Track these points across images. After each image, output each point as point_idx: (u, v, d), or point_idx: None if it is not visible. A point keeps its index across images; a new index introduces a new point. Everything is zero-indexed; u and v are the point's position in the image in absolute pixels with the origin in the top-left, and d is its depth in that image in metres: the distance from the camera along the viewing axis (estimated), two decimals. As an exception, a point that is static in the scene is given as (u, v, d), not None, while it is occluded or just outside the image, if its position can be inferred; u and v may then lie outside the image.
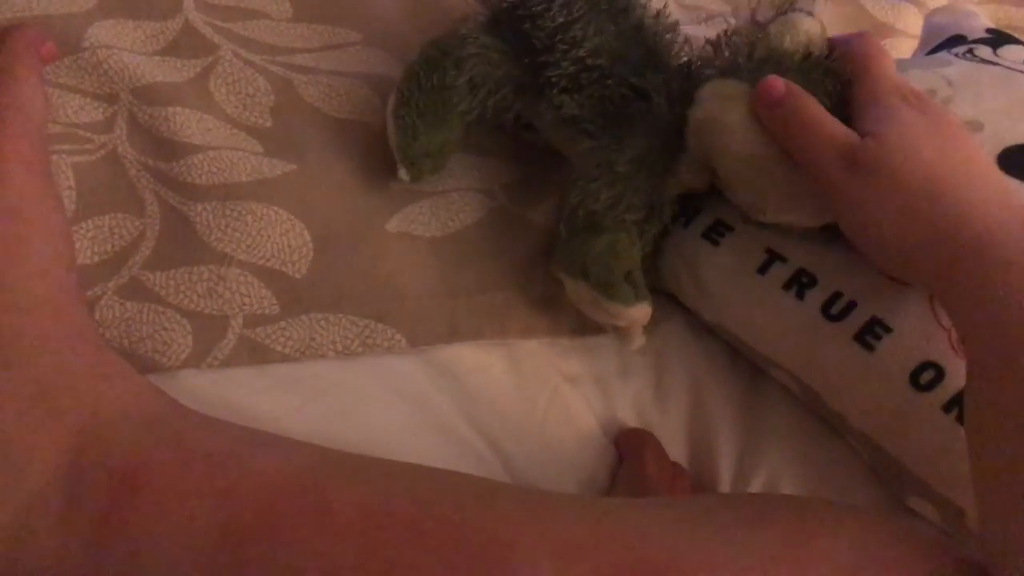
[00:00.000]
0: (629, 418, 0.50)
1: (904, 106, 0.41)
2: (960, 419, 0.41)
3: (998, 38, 0.57)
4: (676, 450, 0.49)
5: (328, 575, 0.29)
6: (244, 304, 0.43)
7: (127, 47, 0.50)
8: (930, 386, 0.42)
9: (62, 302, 0.36)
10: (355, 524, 0.31)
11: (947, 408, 0.41)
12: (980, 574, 0.31)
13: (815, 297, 0.45)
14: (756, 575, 0.29)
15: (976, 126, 0.49)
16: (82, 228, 0.43)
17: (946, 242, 0.37)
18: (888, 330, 0.43)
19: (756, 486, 0.48)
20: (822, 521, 0.32)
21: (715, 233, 0.50)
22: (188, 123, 0.48)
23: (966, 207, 0.38)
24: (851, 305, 0.44)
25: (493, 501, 0.33)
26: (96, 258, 0.43)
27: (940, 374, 0.41)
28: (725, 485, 0.48)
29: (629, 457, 0.48)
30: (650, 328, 0.51)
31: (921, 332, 0.43)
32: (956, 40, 0.59)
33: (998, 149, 0.48)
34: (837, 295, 0.45)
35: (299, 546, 0.30)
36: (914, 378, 0.42)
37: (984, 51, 0.55)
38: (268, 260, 0.45)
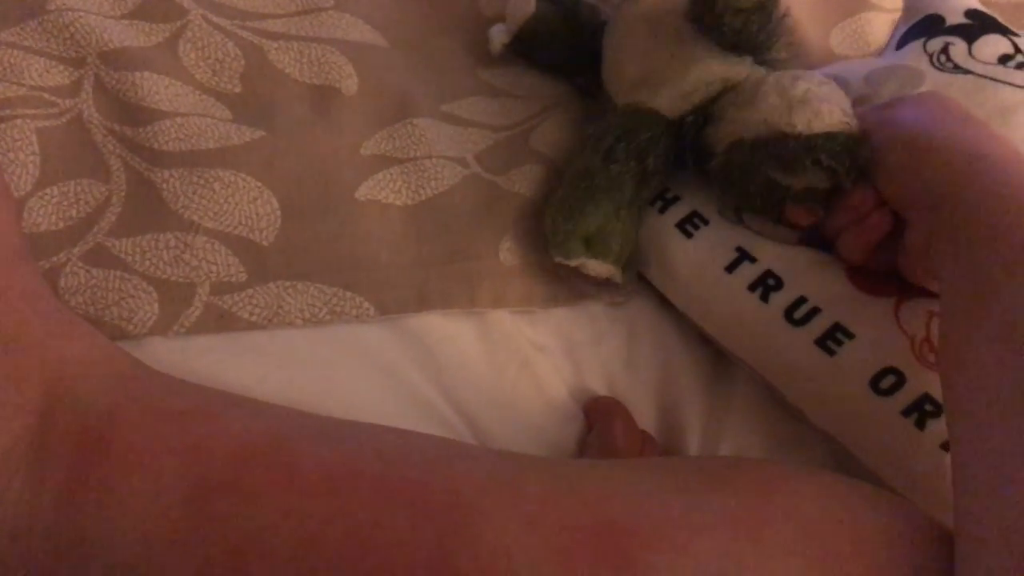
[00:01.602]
0: (599, 387, 0.50)
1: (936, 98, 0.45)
2: (919, 424, 0.41)
3: (975, 25, 0.57)
4: (645, 419, 0.50)
5: (295, 532, 0.30)
6: (211, 272, 0.43)
7: (94, 10, 0.50)
8: (890, 391, 0.42)
9: (13, 263, 0.36)
10: (323, 482, 0.31)
11: (906, 413, 0.41)
12: (941, 536, 0.31)
13: (779, 301, 0.46)
14: (717, 533, 0.30)
15: None
16: (47, 194, 0.43)
17: (952, 173, 0.39)
18: (850, 336, 0.44)
19: (723, 455, 0.48)
20: (783, 481, 0.33)
21: (690, 225, 0.50)
22: (156, 88, 0.47)
23: (980, 150, 0.39)
24: (814, 311, 0.45)
25: (459, 463, 0.34)
26: (61, 224, 0.43)
27: (901, 380, 0.42)
28: (693, 453, 0.49)
29: (598, 425, 0.48)
30: (622, 298, 0.52)
31: (883, 339, 0.43)
32: (933, 21, 0.58)
33: None
34: (801, 300, 0.46)
35: (267, 502, 0.30)
36: (874, 383, 0.42)
37: (959, 49, 0.55)
38: (235, 227, 0.45)
